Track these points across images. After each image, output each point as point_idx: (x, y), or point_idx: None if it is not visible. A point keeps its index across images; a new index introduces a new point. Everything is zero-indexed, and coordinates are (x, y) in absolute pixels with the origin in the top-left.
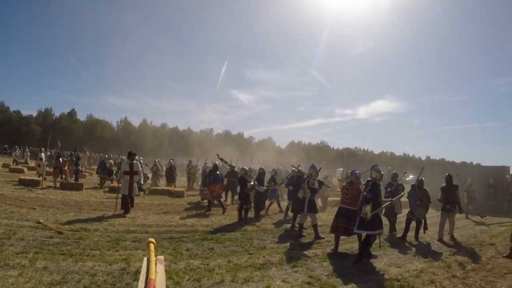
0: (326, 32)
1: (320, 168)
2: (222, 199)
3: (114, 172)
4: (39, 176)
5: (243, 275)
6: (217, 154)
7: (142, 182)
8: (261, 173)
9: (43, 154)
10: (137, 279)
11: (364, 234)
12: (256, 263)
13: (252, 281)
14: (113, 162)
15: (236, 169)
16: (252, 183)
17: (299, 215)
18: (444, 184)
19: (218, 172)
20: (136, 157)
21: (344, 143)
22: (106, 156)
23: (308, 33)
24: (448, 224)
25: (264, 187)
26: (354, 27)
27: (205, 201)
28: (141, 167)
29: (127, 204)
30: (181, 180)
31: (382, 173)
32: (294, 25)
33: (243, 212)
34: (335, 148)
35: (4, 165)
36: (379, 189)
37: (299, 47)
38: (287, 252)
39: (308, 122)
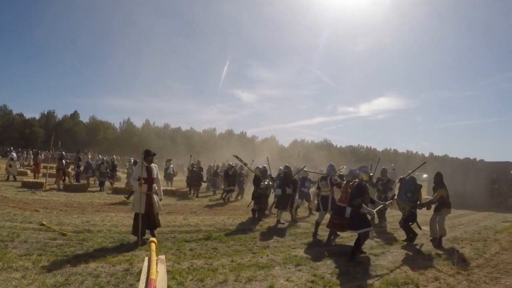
0: (327, 30)
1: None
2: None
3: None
4: (7, 179)
5: (246, 274)
6: (191, 155)
7: (161, 197)
8: (264, 171)
9: (14, 154)
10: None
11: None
12: (259, 262)
13: (256, 280)
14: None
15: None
16: (266, 183)
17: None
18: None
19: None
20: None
21: (347, 141)
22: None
23: (309, 31)
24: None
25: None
26: (355, 24)
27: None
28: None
29: (141, 225)
30: (181, 180)
31: (371, 174)
32: (294, 23)
33: (256, 212)
34: (338, 146)
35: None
36: (365, 190)
37: (300, 46)
38: (291, 251)
39: (310, 120)
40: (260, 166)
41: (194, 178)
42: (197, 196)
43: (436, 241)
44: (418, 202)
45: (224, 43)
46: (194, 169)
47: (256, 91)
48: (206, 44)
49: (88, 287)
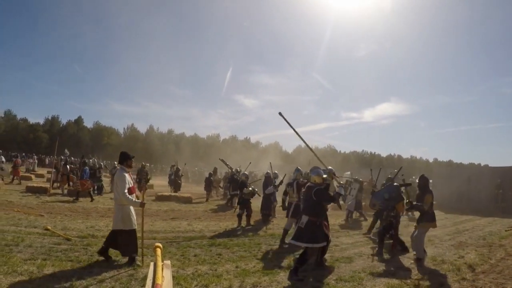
0: (328, 36)
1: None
2: None
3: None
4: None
5: (251, 280)
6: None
7: None
8: (268, 177)
9: (2, 157)
10: (145, 285)
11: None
12: (264, 268)
13: (261, 286)
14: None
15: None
16: (250, 188)
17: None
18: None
19: (86, 168)
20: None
21: (351, 147)
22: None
23: (310, 37)
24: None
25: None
26: (356, 30)
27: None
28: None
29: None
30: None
31: (325, 176)
32: (296, 29)
33: (241, 217)
34: (342, 151)
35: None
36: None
37: (302, 51)
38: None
39: (314, 126)
40: (246, 172)
41: (207, 184)
42: (206, 200)
43: (419, 262)
44: (410, 204)
45: (227, 49)
46: (211, 176)
47: (259, 96)
48: (209, 50)
49: None
